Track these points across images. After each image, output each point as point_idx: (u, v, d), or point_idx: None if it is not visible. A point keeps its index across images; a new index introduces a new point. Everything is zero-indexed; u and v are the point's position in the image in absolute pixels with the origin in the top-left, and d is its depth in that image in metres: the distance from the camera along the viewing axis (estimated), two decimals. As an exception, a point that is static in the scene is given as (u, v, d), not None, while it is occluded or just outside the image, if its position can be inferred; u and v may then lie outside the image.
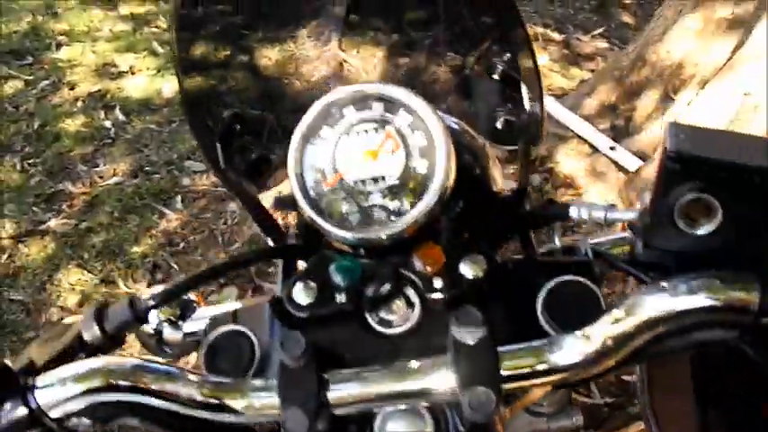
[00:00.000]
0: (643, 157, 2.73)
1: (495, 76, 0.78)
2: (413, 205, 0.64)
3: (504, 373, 0.54)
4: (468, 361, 0.53)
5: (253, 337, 0.68)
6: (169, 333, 0.83)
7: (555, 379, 0.55)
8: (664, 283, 0.52)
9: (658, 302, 0.51)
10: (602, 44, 4.24)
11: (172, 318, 0.83)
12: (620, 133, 2.90)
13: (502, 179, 0.86)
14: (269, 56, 0.91)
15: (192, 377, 0.60)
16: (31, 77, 4.03)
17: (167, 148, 3.43)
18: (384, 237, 0.63)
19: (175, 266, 2.72)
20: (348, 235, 0.64)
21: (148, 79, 4.03)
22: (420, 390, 0.56)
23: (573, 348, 0.54)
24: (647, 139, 2.77)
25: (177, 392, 0.59)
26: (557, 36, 4.28)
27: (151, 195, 3.08)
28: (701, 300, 0.50)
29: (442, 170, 0.63)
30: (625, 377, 2.40)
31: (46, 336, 0.66)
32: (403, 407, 0.59)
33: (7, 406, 0.56)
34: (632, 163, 2.73)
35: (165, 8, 4.90)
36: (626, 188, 2.66)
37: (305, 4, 0.91)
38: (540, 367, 0.55)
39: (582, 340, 0.54)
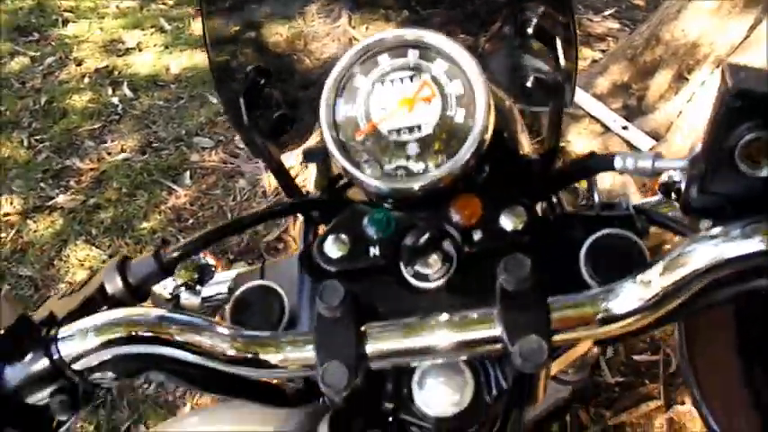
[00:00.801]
0: (656, 136, 2.71)
1: (529, 31, 0.75)
2: (449, 155, 0.62)
3: (554, 324, 0.52)
4: (517, 309, 0.51)
5: (282, 293, 0.66)
6: (186, 298, 0.81)
7: (606, 330, 0.52)
8: (719, 228, 0.50)
9: (716, 248, 0.49)
10: (613, 24, 4.22)
11: (189, 282, 0.81)
12: (633, 113, 2.88)
13: (529, 142, 0.84)
14: (288, 25, 0.89)
15: (221, 329, 0.57)
16: (37, 54, 4.04)
17: (176, 124, 3.44)
18: (419, 187, 0.61)
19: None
20: (383, 185, 0.62)
21: (156, 55, 4.04)
22: (464, 341, 0.54)
23: (631, 295, 0.52)
24: (660, 119, 2.75)
25: (206, 345, 0.56)
26: (567, 16, 4.27)
27: (159, 171, 3.09)
28: (759, 244, 0.48)
29: (480, 119, 0.61)
30: (635, 357, 2.42)
31: (67, 290, 0.64)
32: (441, 361, 0.57)
33: (28, 357, 0.54)
34: (645, 142, 2.71)
35: None
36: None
37: None
38: (597, 317, 0.52)
39: (640, 286, 0.51)
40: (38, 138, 3.37)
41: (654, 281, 0.51)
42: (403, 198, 0.63)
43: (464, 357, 0.57)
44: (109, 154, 3.23)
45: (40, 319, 0.57)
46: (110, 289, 0.62)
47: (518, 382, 0.58)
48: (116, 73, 3.86)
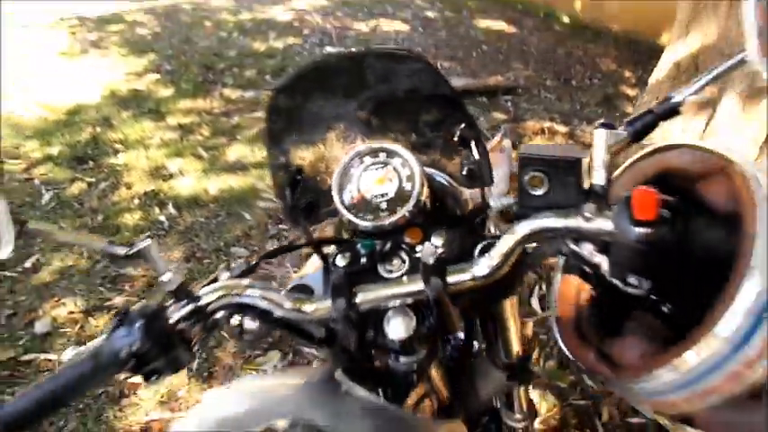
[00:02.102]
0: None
1: (455, 139, 1.15)
2: (402, 207, 0.99)
3: (449, 278, 0.89)
4: (430, 272, 0.88)
5: (312, 287, 1.03)
6: (248, 324, 1.18)
7: (476, 283, 0.89)
8: (525, 220, 0.86)
9: (521, 228, 0.85)
10: (605, 134, 4.58)
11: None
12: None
13: (469, 206, 1.21)
14: (315, 147, 1.26)
15: (283, 293, 0.94)
16: (93, 180, 4.41)
17: (215, 237, 3.76)
18: (387, 224, 0.99)
19: (225, 334, 3.00)
20: (368, 224, 1.00)
21: (196, 179, 4.41)
22: (407, 291, 0.92)
23: (483, 263, 0.88)
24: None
25: (274, 299, 0.93)
26: (562, 128, 4.65)
27: (202, 276, 3.37)
28: (540, 223, 0.84)
29: (417, 189, 0.99)
30: (629, 420, 2.66)
31: (198, 282, 1.01)
32: (398, 304, 0.93)
33: (182, 303, 0.91)
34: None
35: (207, 119, 5.35)
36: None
37: (334, 112, 1.28)
38: (468, 273, 0.89)
39: (487, 258, 0.88)
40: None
41: (494, 254, 0.88)
42: (379, 231, 1.00)
43: (409, 302, 0.93)
44: (157, 263, 3.55)
45: (187, 287, 0.93)
46: (220, 279, 0.97)
47: (438, 317, 0.94)
48: (162, 195, 4.21)
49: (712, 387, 0.66)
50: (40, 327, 3.12)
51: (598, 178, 0.82)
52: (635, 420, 2.68)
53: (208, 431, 0.84)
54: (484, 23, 8.71)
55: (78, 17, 8.23)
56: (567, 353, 0.92)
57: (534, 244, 0.88)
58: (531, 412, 1.45)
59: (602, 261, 0.81)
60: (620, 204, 0.76)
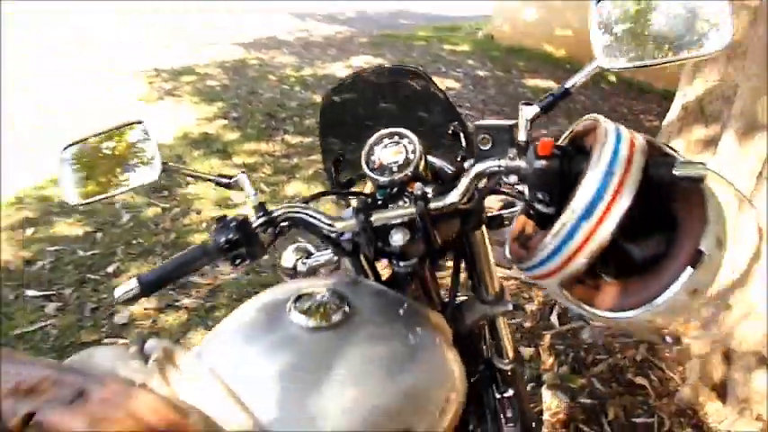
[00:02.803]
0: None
1: (450, 132, 1.51)
2: (407, 168, 1.33)
3: (430, 204, 1.25)
4: (417, 197, 1.24)
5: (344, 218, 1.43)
6: (300, 267, 1.56)
7: (448, 208, 1.21)
8: (477, 164, 1.22)
9: (474, 169, 1.20)
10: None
11: (300, 258, 1.57)
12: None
13: (447, 170, 1.55)
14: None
15: (327, 215, 1.33)
16: (167, 206, 4.88)
17: (273, 256, 4.06)
18: (396, 179, 1.32)
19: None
20: (385, 179, 1.34)
21: None
22: (403, 213, 1.26)
23: (454, 193, 1.24)
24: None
25: (318, 217, 1.30)
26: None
27: (260, 286, 3.61)
28: (485, 165, 1.19)
29: (417, 157, 1.33)
30: (634, 419, 2.95)
31: None
32: (398, 222, 1.27)
33: (260, 214, 1.28)
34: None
35: (269, 160, 5.83)
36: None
37: (368, 109, 1.64)
38: (442, 202, 1.25)
39: (456, 190, 1.23)
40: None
41: (460, 187, 1.24)
42: (391, 185, 1.34)
43: (405, 220, 1.28)
44: (222, 274, 3.95)
45: (265, 205, 1.31)
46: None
47: (424, 233, 1.28)
48: (226, 220, 4.68)
49: (576, 246, 1.02)
50: (119, 319, 3.57)
51: (521, 136, 1.18)
52: (639, 420, 2.96)
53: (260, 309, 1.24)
54: (533, 82, 9.13)
55: (155, 68, 8.87)
56: (507, 254, 1.28)
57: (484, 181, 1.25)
58: (517, 356, 1.81)
59: (524, 189, 1.19)
60: (531, 148, 1.13)
